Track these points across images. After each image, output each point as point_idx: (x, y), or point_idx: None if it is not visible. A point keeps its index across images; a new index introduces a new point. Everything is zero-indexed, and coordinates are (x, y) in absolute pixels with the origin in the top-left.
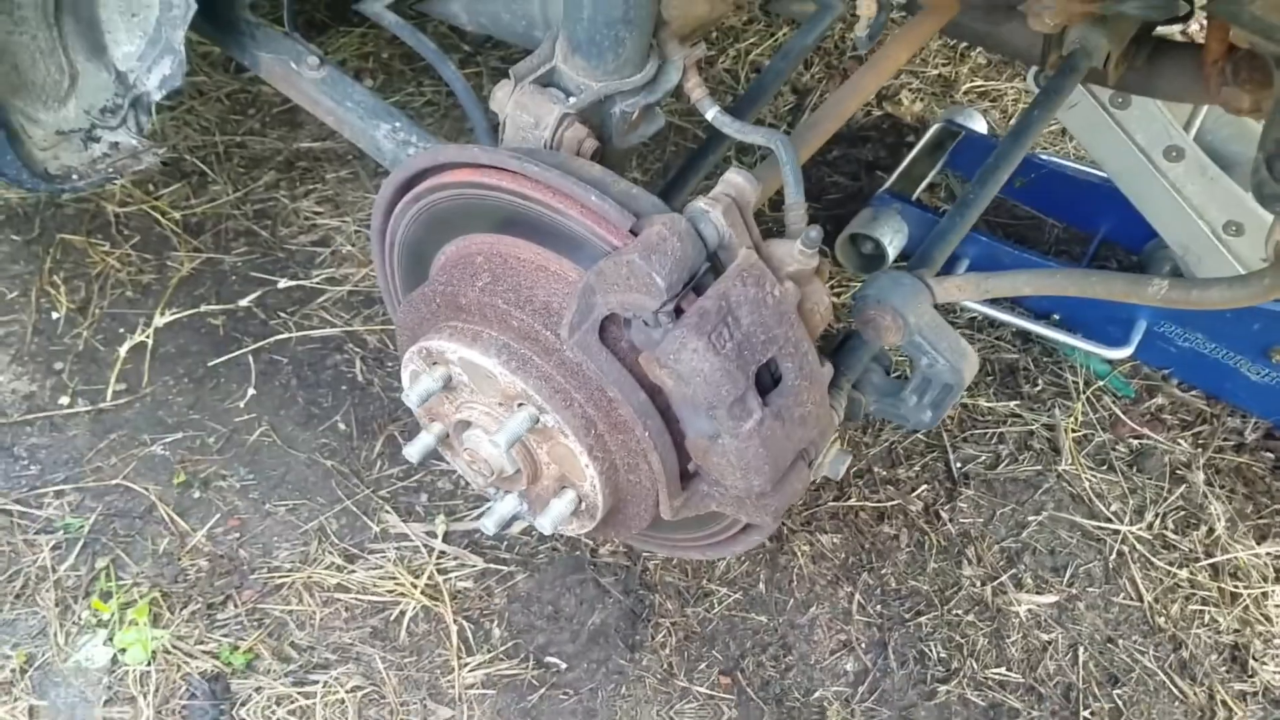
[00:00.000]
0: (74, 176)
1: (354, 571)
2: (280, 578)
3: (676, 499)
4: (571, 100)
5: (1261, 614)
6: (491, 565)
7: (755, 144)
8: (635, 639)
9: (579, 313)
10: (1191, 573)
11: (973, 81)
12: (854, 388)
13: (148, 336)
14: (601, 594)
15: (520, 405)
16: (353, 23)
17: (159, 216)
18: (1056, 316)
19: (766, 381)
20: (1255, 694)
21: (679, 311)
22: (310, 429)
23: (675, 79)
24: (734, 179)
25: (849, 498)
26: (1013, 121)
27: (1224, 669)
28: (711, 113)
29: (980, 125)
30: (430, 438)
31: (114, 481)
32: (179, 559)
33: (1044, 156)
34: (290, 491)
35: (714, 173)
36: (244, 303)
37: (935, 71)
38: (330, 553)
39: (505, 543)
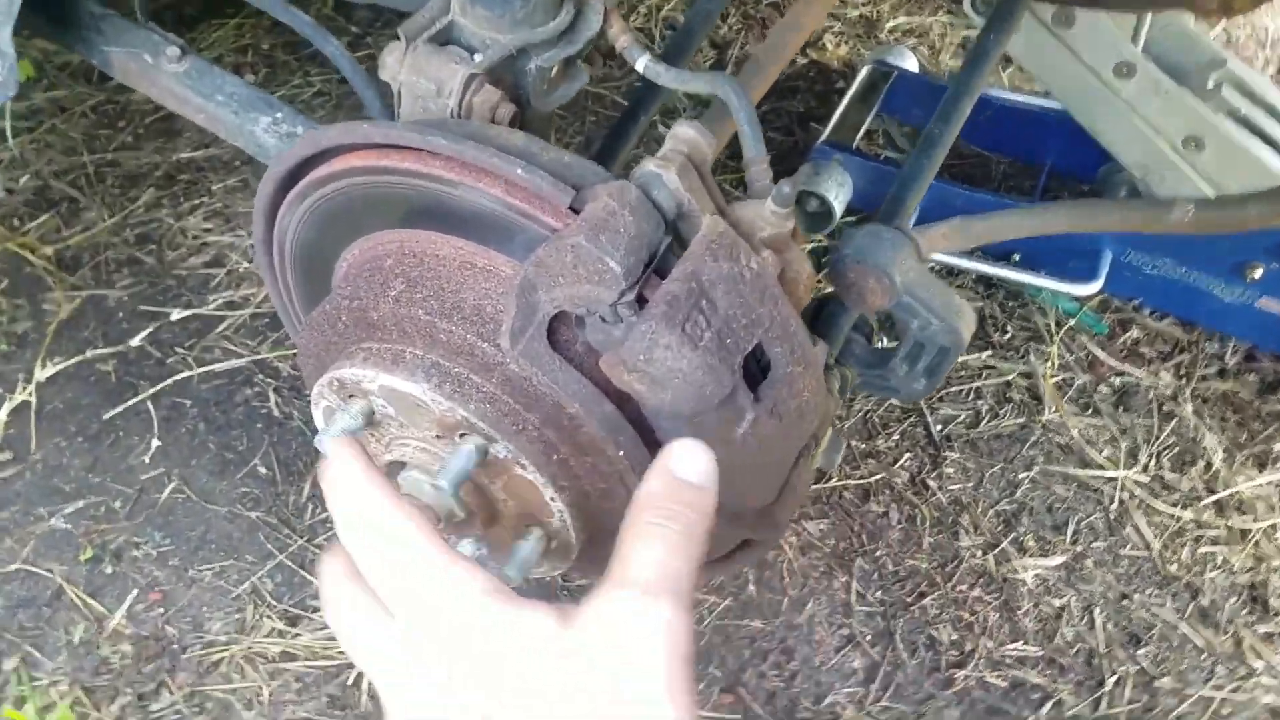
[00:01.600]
0: None
1: (298, 635)
2: (216, 653)
3: None
4: (477, 58)
5: (1275, 546)
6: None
7: (698, 93)
8: None
9: (519, 316)
10: (1196, 513)
11: (896, 19)
12: (836, 362)
13: (29, 394)
14: None
15: (463, 436)
16: (226, 13)
17: (28, 255)
18: (1016, 257)
19: (753, 372)
20: None
21: (642, 301)
22: (227, 478)
23: (596, 25)
24: (685, 132)
25: (830, 478)
26: (958, 55)
27: (1245, 612)
28: (642, 62)
29: (912, 64)
30: None
31: (12, 567)
32: (98, 647)
33: (985, 91)
34: (214, 552)
35: (644, 140)
36: (135, 342)
37: (856, 12)
38: (269, 617)
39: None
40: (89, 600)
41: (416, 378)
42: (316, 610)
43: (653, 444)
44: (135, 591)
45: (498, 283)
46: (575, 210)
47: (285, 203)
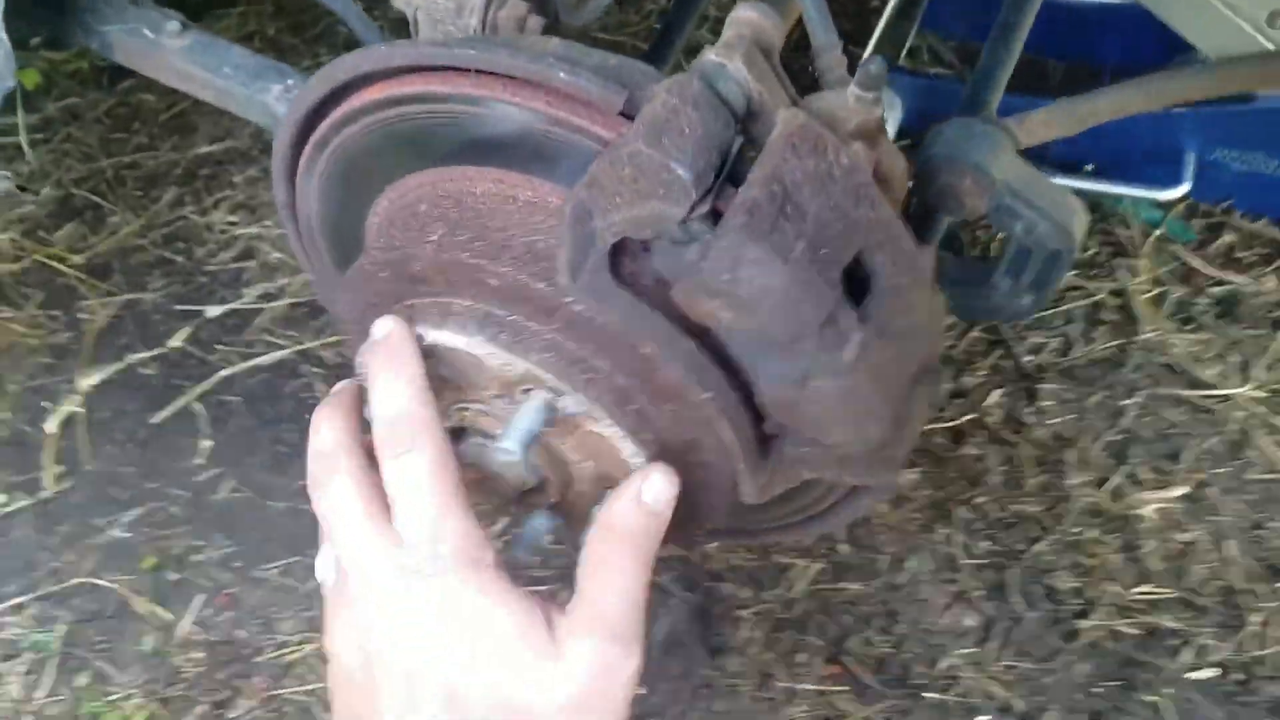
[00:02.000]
0: None
1: None
2: (290, 653)
3: (760, 475)
4: None
5: None
6: (529, 587)
7: None
8: (716, 641)
9: (575, 247)
10: None
11: None
12: None
13: (78, 405)
14: (662, 596)
15: (527, 391)
16: (227, 2)
17: (58, 265)
18: (1090, 167)
19: (852, 288)
20: None
21: (716, 215)
22: (283, 472)
23: None
24: (746, 14)
25: None
26: None
27: None
28: None
29: None
30: None
31: (76, 581)
32: (170, 656)
33: None
34: (278, 550)
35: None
36: (175, 343)
37: None
38: None
39: (539, 559)
40: (156, 609)
41: (469, 330)
42: None
43: (738, 382)
44: (202, 597)
45: (546, 215)
46: (628, 117)
47: (304, 157)
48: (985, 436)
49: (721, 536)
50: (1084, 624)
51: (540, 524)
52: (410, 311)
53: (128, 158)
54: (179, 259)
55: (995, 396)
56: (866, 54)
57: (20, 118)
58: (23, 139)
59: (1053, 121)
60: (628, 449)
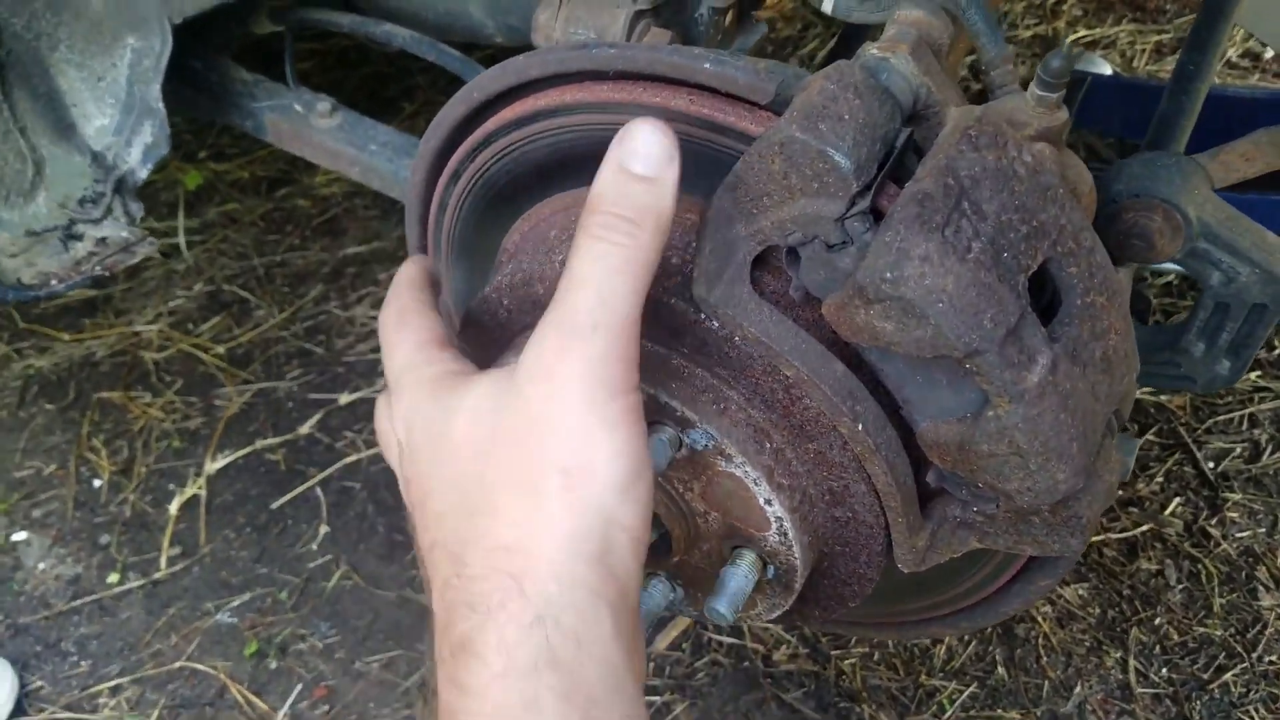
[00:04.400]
0: (53, 282)
1: None
2: None
3: (919, 535)
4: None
5: None
6: None
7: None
8: None
9: (714, 256)
10: None
11: (1075, 33)
12: None
13: (200, 488)
14: (790, 716)
15: (652, 425)
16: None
17: (201, 354)
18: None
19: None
20: None
21: (878, 216)
22: (396, 561)
23: None
24: (912, 13)
25: None
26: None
27: None
28: (829, 3)
29: (1105, 70)
30: None
31: (176, 665)
32: None
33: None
34: (382, 642)
35: None
36: (304, 429)
37: (1029, 33)
38: None
39: (652, 664)
40: (253, 698)
41: None
42: None
43: (898, 423)
44: (300, 686)
45: (683, 231)
46: (777, 114)
47: (437, 191)
48: (1163, 550)
49: (864, 628)
50: None
51: (658, 593)
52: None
53: (279, 257)
54: (318, 350)
55: (1175, 506)
56: None
57: (180, 219)
58: (181, 240)
59: (1254, 154)
60: (763, 493)
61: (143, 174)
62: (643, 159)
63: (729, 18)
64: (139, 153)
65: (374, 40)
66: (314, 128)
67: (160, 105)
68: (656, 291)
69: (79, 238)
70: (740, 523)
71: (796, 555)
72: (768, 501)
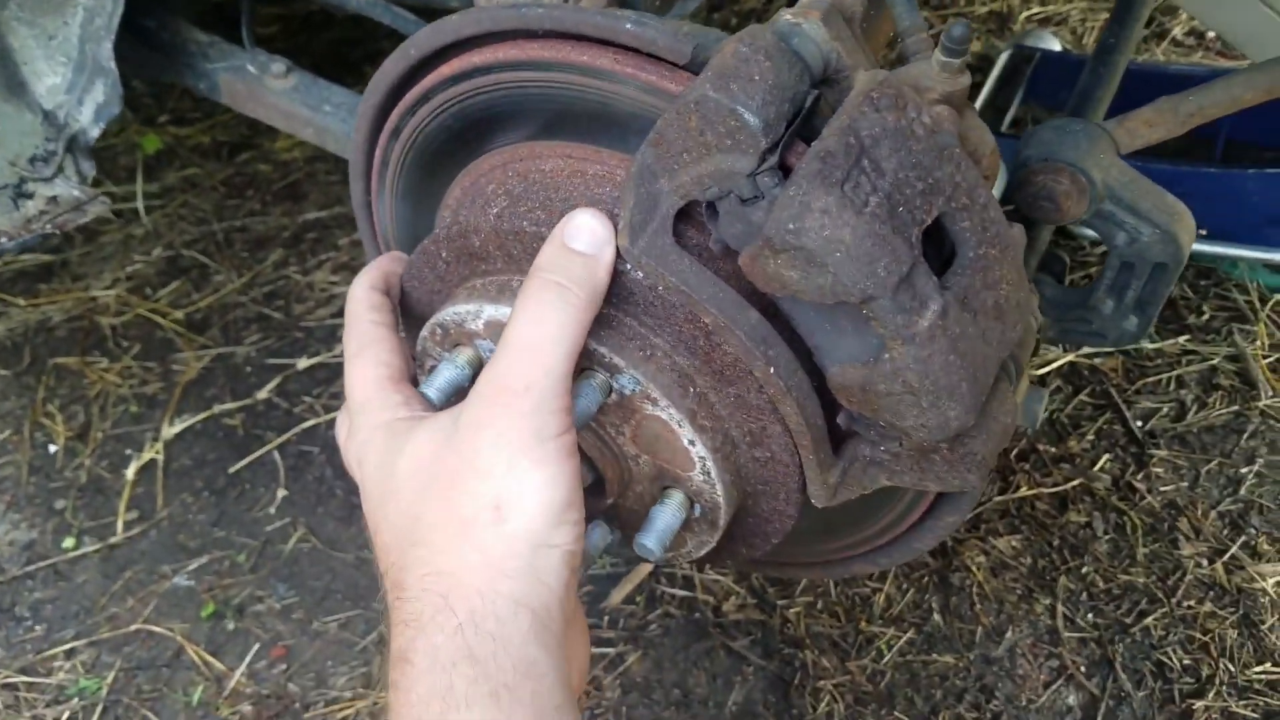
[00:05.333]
0: (2, 239)
1: None
2: (341, 709)
3: (830, 471)
4: None
5: None
6: (594, 649)
7: None
8: (793, 713)
9: (639, 208)
10: None
11: (1029, 9)
12: None
13: (157, 452)
14: (738, 662)
15: (583, 372)
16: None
17: (159, 319)
18: (1204, 231)
19: (933, 259)
20: None
21: (786, 171)
22: (354, 524)
23: None
24: None
25: (1017, 487)
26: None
27: None
28: None
29: (1054, 46)
30: None
31: (133, 627)
32: (217, 708)
33: (1138, 62)
34: (340, 602)
35: None
36: (262, 394)
37: (985, 9)
38: None
39: (606, 617)
40: (209, 659)
41: None
42: None
43: (810, 369)
44: (257, 646)
45: (613, 187)
46: (696, 75)
47: (379, 147)
48: (1092, 503)
49: (792, 568)
50: (1197, 704)
51: (596, 536)
52: (468, 291)
53: (239, 221)
54: (277, 315)
55: (1104, 462)
56: None
57: (139, 184)
58: (140, 204)
59: (1157, 120)
60: (686, 433)
61: (94, 133)
62: (584, 239)
63: None
64: (91, 111)
65: (330, 4)
66: (268, 89)
67: (112, 64)
68: None
69: (30, 196)
70: (667, 464)
71: (720, 493)
72: (691, 442)
